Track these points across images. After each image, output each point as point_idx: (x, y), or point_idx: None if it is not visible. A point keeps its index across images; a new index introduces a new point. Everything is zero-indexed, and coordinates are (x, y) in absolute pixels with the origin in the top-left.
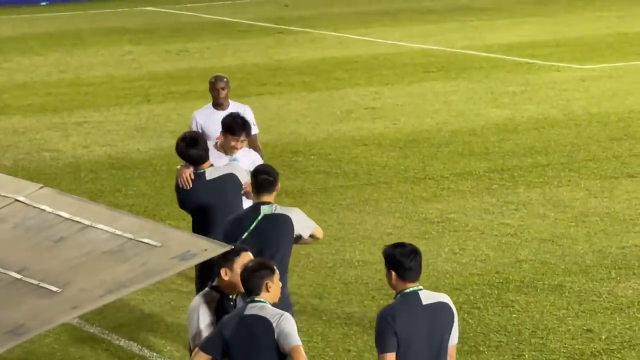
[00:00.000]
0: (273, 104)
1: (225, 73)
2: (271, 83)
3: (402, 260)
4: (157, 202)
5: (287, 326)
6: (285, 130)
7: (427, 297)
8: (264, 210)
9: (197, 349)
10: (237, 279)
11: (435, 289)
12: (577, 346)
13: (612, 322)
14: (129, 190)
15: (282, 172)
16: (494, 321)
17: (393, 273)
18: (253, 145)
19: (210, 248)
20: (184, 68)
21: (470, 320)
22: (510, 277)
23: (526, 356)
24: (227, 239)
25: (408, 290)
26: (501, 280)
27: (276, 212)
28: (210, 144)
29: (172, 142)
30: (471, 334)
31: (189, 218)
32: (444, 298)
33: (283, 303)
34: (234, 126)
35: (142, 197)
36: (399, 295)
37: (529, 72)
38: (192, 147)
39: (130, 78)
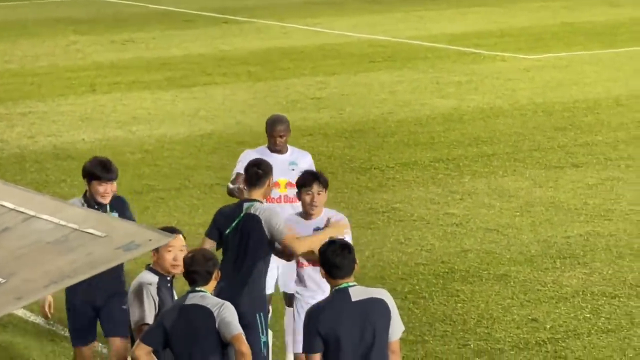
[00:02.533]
0: (218, 94)
1: (170, 63)
2: (216, 73)
3: (330, 258)
4: None
5: (228, 315)
6: (231, 121)
7: (358, 293)
8: (246, 208)
9: (138, 340)
10: (165, 260)
11: (381, 279)
12: (522, 335)
13: (557, 311)
14: (74, 181)
15: (228, 163)
16: (439, 311)
17: (323, 271)
18: None
19: (154, 238)
20: (129, 58)
21: (416, 310)
22: (456, 267)
23: (471, 345)
24: (216, 230)
25: (338, 287)
26: (446, 270)
27: (256, 211)
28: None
29: (118, 133)
30: (417, 324)
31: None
32: (378, 293)
33: (259, 301)
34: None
35: None
36: (332, 291)
37: (474, 62)
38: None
39: (75, 68)
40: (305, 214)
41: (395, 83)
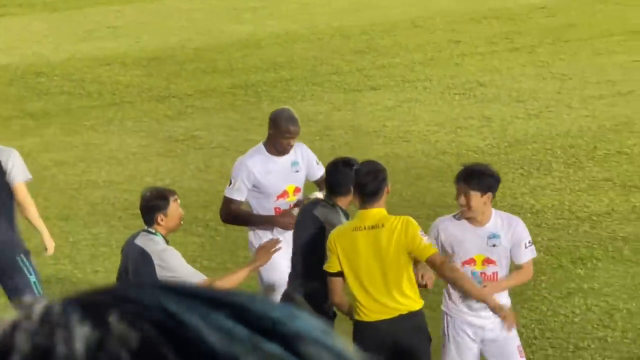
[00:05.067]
0: (14, 25)
1: None
2: (12, 4)
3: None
4: None
5: (170, 260)
6: (27, 52)
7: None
8: None
9: None
10: (174, 223)
11: (183, 207)
12: None
13: None
14: None
15: (25, 95)
16: (241, 237)
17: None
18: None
19: None
20: None
21: (218, 238)
22: None
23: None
24: None
25: None
26: None
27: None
28: (269, 202)
29: None
30: (219, 252)
31: None
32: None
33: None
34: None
35: None
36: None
37: None
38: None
39: None
40: (472, 219)
41: (193, 10)
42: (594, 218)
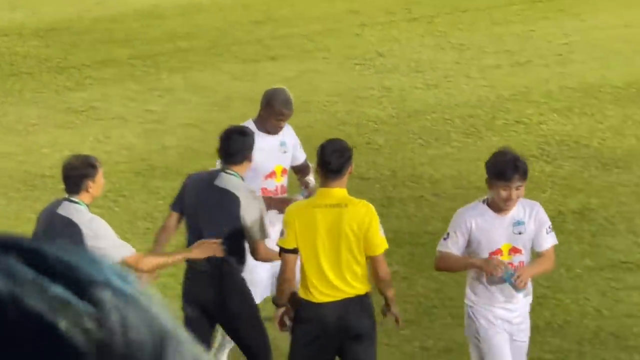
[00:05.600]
0: None
1: None
2: None
3: (223, 144)
4: None
5: (99, 230)
6: None
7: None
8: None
9: None
10: (100, 191)
11: None
12: None
13: None
14: None
15: None
16: (140, 209)
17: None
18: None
19: None
20: None
21: (117, 209)
22: (156, 164)
23: (173, 242)
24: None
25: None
26: (147, 168)
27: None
28: (257, 182)
29: None
30: (118, 222)
31: None
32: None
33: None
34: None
35: None
36: None
37: None
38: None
39: None
40: (498, 209)
41: None
42: None
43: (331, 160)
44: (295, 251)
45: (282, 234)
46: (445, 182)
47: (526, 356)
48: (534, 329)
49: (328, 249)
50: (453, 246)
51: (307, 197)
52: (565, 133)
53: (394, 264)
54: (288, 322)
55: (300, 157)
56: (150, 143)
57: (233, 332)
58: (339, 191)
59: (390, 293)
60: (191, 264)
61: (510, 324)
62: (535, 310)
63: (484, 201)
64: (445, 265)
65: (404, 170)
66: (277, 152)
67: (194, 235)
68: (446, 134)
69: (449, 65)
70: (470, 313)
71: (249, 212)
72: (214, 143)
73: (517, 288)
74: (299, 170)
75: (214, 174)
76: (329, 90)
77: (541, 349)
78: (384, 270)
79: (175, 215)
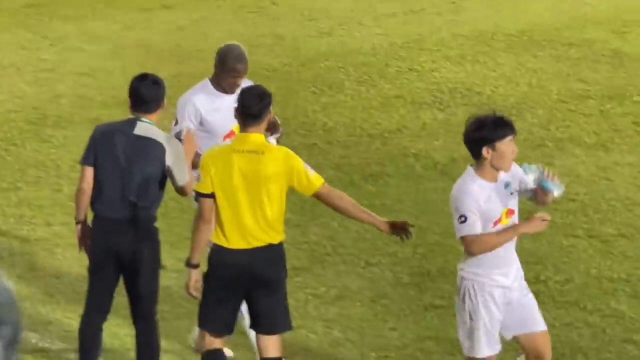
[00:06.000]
0: None
1: None
2: None
3: (137, 90)
4: None
5: None
6: None
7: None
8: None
9: None
10: None
11: None
12: None
13: None
14: None
15: None
16: (32, 157)
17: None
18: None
19: None
20: None
21: (9, 158)
22: (49, 113)
23: (65, 190)
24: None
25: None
26: (39, 116)
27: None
28: (216, 141)
29: None
30: (9, 171)
31: None
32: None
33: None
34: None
35: None
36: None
37: None
38: None
39: None
40: (491, 176)
41: None
42: (386, 135)
43: (251, 104)
44: (211, 196)
45: (198, 178)
46: (338, 130)
47: (539, 313)
48: (426, 275)
49: (243, 195)
50: (478, 227)
51: (277, 140)
52: (458, 80)
53: (287, 211)
54: (195, 293)
55: None
56: (43, 92)
57: (133, 279)
58: (257, 137)
59: (366, 215)
60: (101, 212)
61: (511, 290)
62: (427, 256)
63: (473, 174)
64: (487, 246)
65: (297, 118)
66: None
67: (110, 187)
68: (339, 82)
69: (343, 13)
70: (470, 289)
71: (173, 157)
72: (107, 92)
73: (554, 185)
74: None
75: (130, 124)
76: (222, 38)
77: (434, 295)
78: (337, 199)
79: (89, 170)
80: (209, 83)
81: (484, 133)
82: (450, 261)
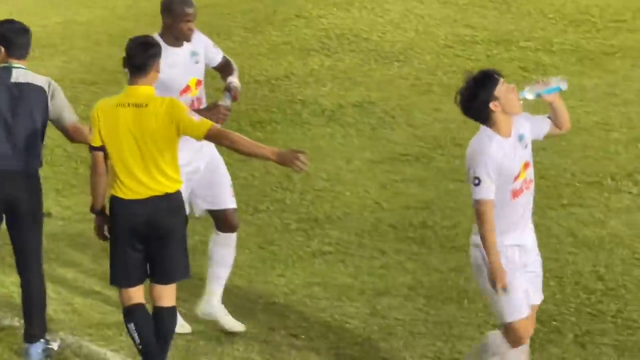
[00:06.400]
0: None
1: None
2: None
3: (10, 36)
4: None
5: None
6: None
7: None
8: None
9: None
10: None
11: None
12: None
13: None
14: None
15: None
16: None
17: (2, 49)
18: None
19: None
20: None
21: None
22: None
23: None
24: None
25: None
26: None
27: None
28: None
29: None
30: None
31: None
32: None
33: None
34: None
35: None
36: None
37: None
38: None
39: None
40: (506, 130)
41: None
42: (273, 82)
43: (135, 54)
44: (101, 149)
45: (90, 130)
46: None
47: (541, 292)
48: (314, 221)
49: (132, 147)
50: (492, 192)
51: (233, 100)
52: (345, 27)
53: None
54: (106, 233)
55: (217, 57)
56: None
57: (18, 230)
58: (144, 89)
59: (259, 149)
60: None
61: (525, 249)
62: (315, 203)
63: (490, 132)
64: (487, 228)
65: None
66: (189, 65)
67: None
68: (227, 28)
69: None
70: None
71: (57, 99)
72: None
73: (556, 84)
74: (222, 70)
75: (4, 72)
76: None
77: (321, 242)
78: (228, 138)
79: None
80: (160, 38)
81: (481, 95)
82: (338, 207)
